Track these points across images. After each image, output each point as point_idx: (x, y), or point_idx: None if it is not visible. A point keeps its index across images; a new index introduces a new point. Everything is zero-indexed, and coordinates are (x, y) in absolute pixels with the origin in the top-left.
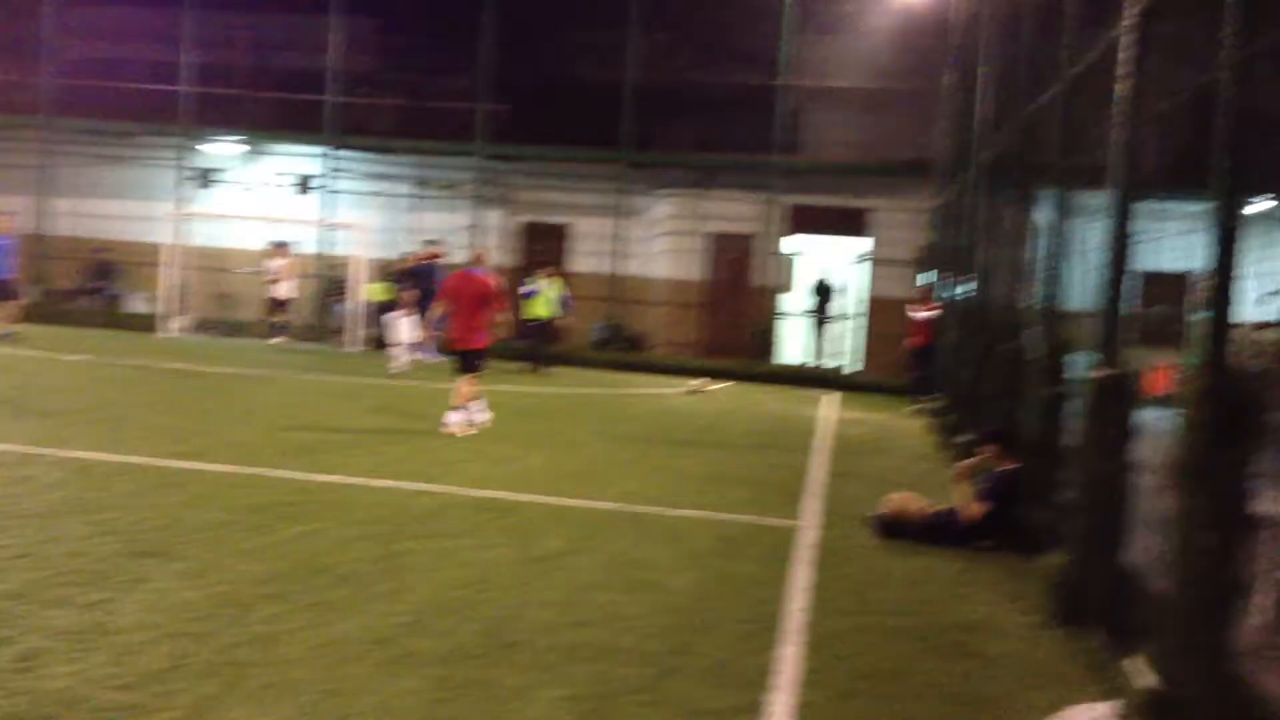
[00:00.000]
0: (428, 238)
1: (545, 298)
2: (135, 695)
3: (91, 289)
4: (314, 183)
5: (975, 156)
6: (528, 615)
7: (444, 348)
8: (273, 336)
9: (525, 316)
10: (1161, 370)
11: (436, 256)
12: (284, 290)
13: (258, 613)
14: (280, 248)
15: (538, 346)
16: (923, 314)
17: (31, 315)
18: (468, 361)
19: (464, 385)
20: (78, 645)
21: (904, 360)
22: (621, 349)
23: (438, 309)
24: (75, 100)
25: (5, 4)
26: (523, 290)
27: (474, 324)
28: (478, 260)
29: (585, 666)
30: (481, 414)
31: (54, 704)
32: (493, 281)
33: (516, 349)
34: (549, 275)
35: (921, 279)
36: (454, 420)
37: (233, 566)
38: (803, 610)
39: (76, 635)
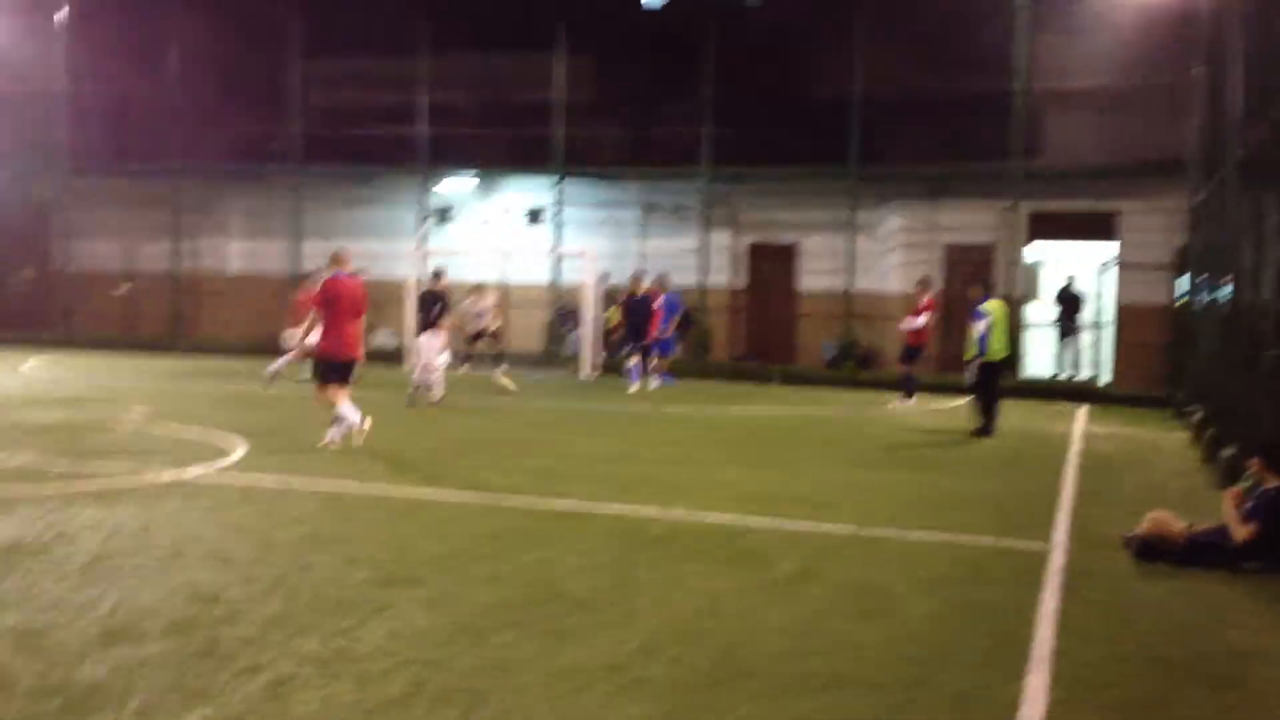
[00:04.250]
0: (637, 269)
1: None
2: None
3: None
4: (543, 214)
5: (1230, 151)
6: (758, 643)
7: (320, 357)
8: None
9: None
10: None
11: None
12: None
13: (494, 639)
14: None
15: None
16: (920, 317)
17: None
18: (352, 372)
19: (341, 396)
20: (325, 672)
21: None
22: (855, 367)
23: (313, 319)
24: (322, 146)
25: (257, 59)
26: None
27: (359, 331)
28: (343, 262)
29: (816, 698)
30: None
31: None
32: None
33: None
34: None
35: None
36: (335, 435)
37: (471, 594)
38: (1051, 638)
39: (324, 662)
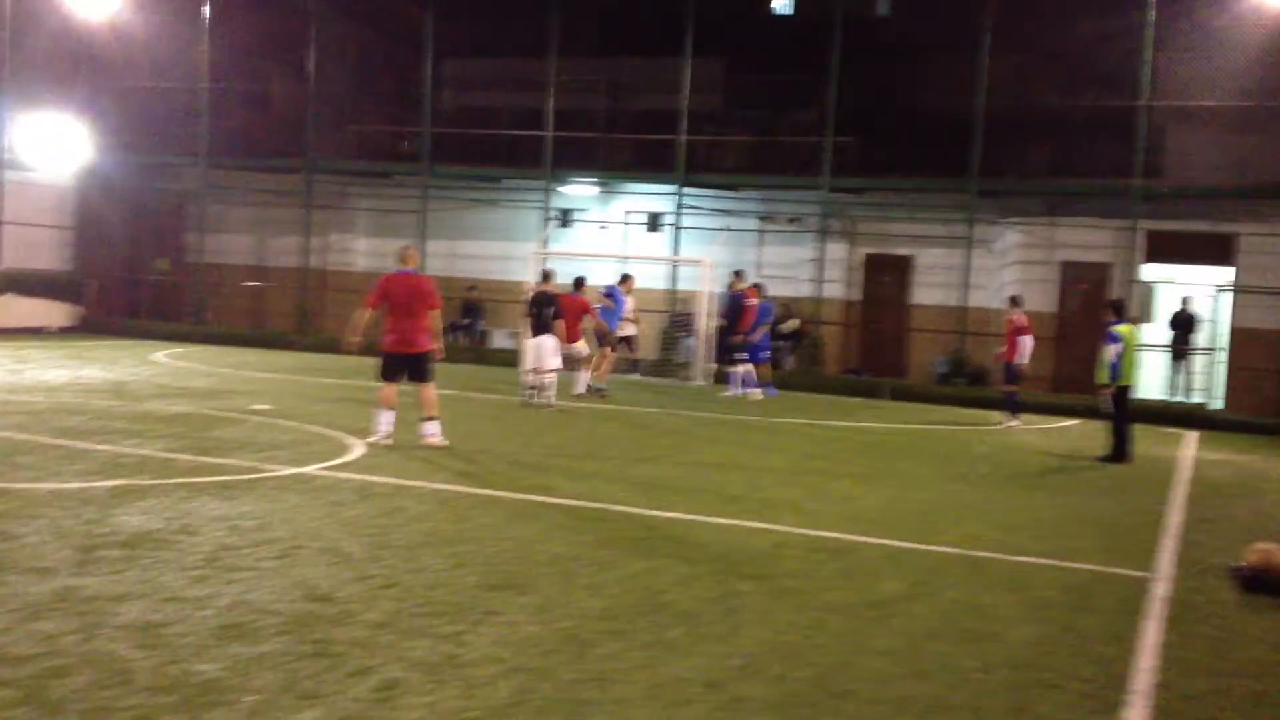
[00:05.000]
0: (734, 269)
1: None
2: None
3: (460, 326)
4: (663, 220)
5: None
6: (860, 664)
7: (382, 352)
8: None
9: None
10: None
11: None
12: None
13: (598, 650)
14: (626, 280)
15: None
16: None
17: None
18: (423, 367)
19: (428, 392)
20: (432, 677)
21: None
22: (965, 383)
23: (364, 315)
24: (449, 147)
25: (390, 59)
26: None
27: (418, 326)
28: (406, 260)
29: None
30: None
31: None
32: (429, 282)
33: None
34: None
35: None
36: (431, 430)
37: (577, 602)
38: (1154, 670)
39: (431, 667)
